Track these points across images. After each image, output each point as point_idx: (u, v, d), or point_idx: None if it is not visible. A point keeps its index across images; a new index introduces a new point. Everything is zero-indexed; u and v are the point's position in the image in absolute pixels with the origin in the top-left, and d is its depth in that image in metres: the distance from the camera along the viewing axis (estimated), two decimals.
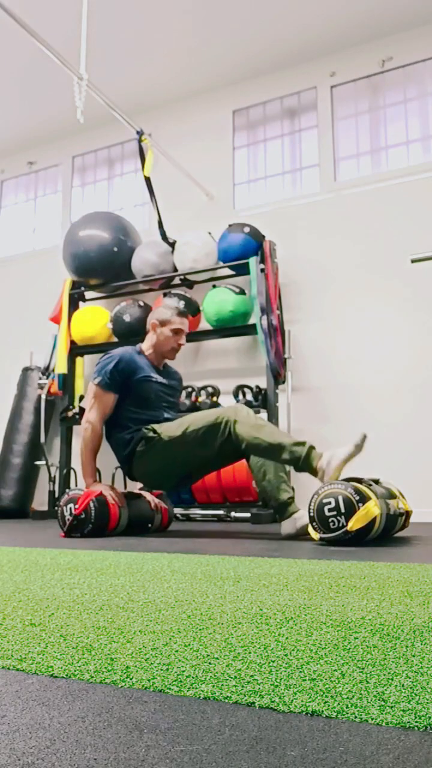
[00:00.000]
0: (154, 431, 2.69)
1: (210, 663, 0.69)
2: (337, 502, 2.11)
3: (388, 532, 2.26)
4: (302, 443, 2.42)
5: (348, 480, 2.20)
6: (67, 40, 3.52)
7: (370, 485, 2.20)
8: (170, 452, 2.64)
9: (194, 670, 0.67)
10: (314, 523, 2.17)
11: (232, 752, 0.47)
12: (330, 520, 2.12)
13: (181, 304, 4.30)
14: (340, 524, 2.10)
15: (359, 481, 2.21)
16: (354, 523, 2.07)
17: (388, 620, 0.90)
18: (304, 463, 2.39)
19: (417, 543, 2.23)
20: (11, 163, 5.96)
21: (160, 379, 2.89)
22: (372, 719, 0.52)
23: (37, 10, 3.84)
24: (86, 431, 2.75)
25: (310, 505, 2.19)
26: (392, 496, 2.35)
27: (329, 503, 2.13)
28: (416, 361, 3.97)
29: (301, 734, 0.50)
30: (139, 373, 2.80)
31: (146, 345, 2.96)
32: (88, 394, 2.83)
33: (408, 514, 2.41)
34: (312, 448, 2.42)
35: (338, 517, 2.11)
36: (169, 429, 2.67)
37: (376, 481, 2.37)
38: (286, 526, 2.47)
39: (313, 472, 2.38)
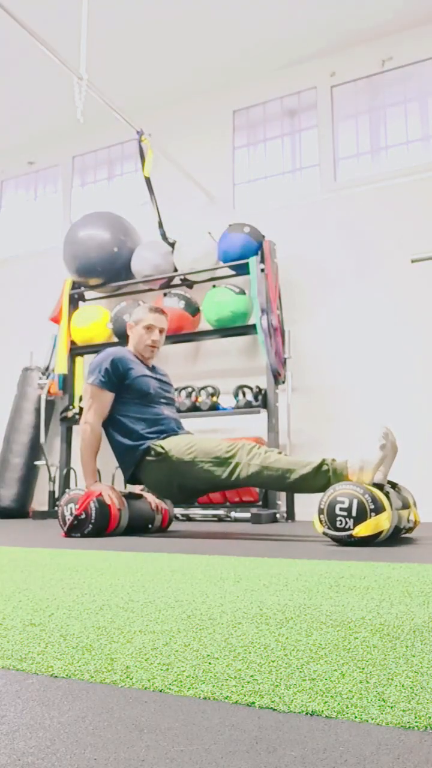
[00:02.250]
0: (163, 447, 2.65)
1: (210, 663, 0.69)
2: (350, 503, 2.07)
3: (391, 538, 2.25)
4: (322, 464, 2.30)
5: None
6: (67, 40, 3.52)
7: (388, 493, 2.16)
8: (177, 473, 2.61)
9: (194, 670, 0.67)
10: (322, 516, 2.14)
11: (232, 752, 0.47)
12: (338, 518, 2.09)
13: (182, 304, 4.31)
14: (347, 526, 2.07)
15: (380, 487, 2.16)
16: (361, 530, 2.04)
17: (388, 620, 0.90)
18: (335, 483, 2.24)
19: (417, 543, 2.23)
20: (11, 163, 5.96)
21: (153, 375, 2.89)
22: (372, 719, 0.52)
23: (37, 10, 3.84)
24: (85, 432, 2.74)
25: (323, 497, 2.16)
26: (406, 505, 2.31)
27: (342, 502, 2.09)
28: (416, 360, 3.97)
29: (301, 734, 0.50)
30: (134, 371, 2.78)
31: (130, 346, 2.95)
32: (84, 394, 2.82)
33: (416, 524, 2.39)
34: (333, 461, 2.31)
35: (347, 519, 2.07)
36: (179, 449, 2.61)
37: (394, 486, 2.33)
38: (365, 474, 2.20)
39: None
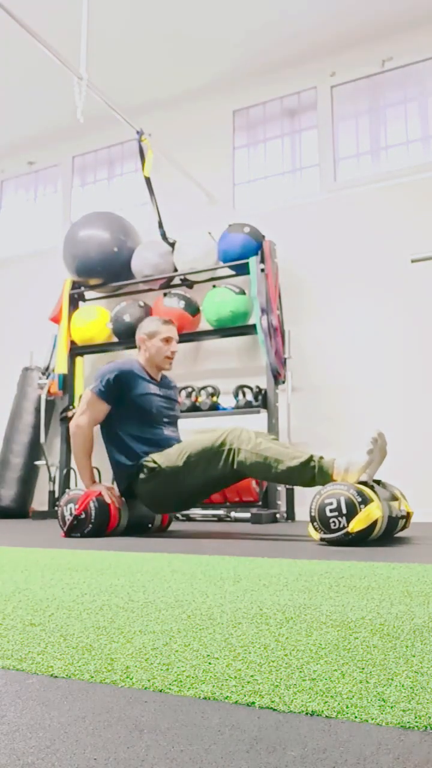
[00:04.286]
0: (155, 461, 2.62)
1: (210, 663, 0.69)
2: (339, 502, 2.10)
3: (389, 534, 2.26)
4: (309, 459, 2.32)
5: None
6: (67, 40, 3.51)
7: (373, 487, 2.19)
8: (173, 482, 2.58)
9: (194, 670, 0.67)
10: (315, 523, 2.17)
11: (232, 752, 0.47)
12: (331, 520, 2.12)
13: (182, 304, 4.31)
14: (341, 525, 2.09)
15: (363, 482, 2.19)
16: (355, 525, 2.06)
17: (388, 620, 0.90)
18: (320, 480, 2.28)
19: (417, 543, 2.23)
20: (11, 163, 5.96)
21: (160, 392, 2.84)
22: (372, 719, 0.52)
23: (37, 10, 3.84)
24: (75, 436, 2.73)
25: (311, 504, 2.19)
26: (394, 498, 2.34)
27: (331, 503, 2.12)
28: (416, 360, 3.97)
29: (301, 734, 0.50)
30: (139, 388, 2.75)
31: (141, 359, 2.90)
32: (82, 399, 2.81)
33: (409, 515, 2.40)
34: (321, 459, 2.32)
35: (339, 518, 2.10)
36: (170, 458, 2.60)
37: (378, 482, 2.36)
38: (350, 475, 2.22)
39: (331, 481, 2.27)
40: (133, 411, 2.74)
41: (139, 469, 2.65)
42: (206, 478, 2.55)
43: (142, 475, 2.64)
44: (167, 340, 2.88)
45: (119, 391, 2.72)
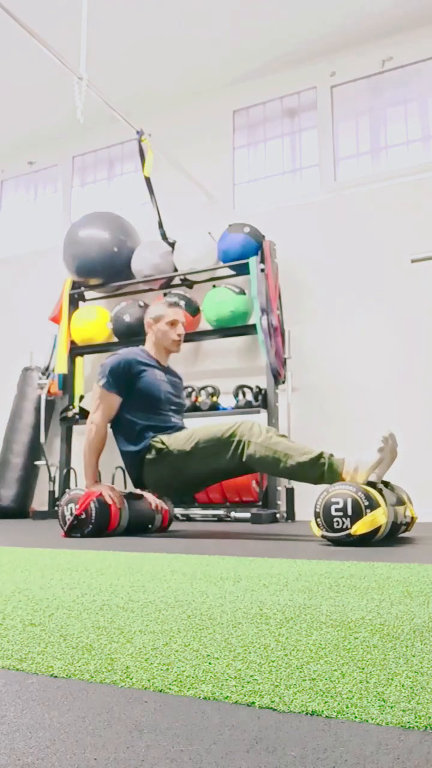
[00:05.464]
0: (163, 442, 2.63)
1: (210, 663, 0.69)
2: (345, 503, 2.09)
3: (390, 537, 2.25)
4: (320, 456, 2.31)
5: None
6: (67, 40, 3.51)
7: (381, 490, 2.17)
8: (179, 466, 2.59)
9: (194, 670, 0.67)
10: (318, 520, 2.15)
11: (232, 752, 0.47)
12: (335, 519, 2.10)
13: (182, 304, 4.30)
14: (344, 526, 2.08)
15: (373, 485, 2.17)
16: (358, 528, 2.04)
17: (388, 620, 0.90)
18: (328, 478, 2.27)
19: (417, 543, 2.23)
20: (11, 163, 5.96)
21: (165, 378, 2.86)
22: (372, 719, 0.52)
23: (37, 10, 3.84)
24: (90, 432, 2.73)
25: (317, 500, 2.17)
26: (401, 502, 2.32)
27: (337, 503, 2.10)
28: (416, 360, 3.97)
29: (301, 734, 0.50)
30: (146, 374, 2.76)
31: (148, 345, 2.94)
32: (93, 395, 2.82)
33: (413, 520, 2.39)
34: (331, 456, 2.31)
35: (343, 519, 2.09)
36: (178, 442, 2.61)
37: (387, 484, 2.34)
38: (359, 475, 2.21)
39: (339, 480, 2.26)
40: (141, 397, 2.74)
41: (147, 450, 2.66)
42: (212, 467, 2.56)
43: (149, 456, 2.66)
44: (173, 323, 2.88)
45: (126, 379, 2.73)
